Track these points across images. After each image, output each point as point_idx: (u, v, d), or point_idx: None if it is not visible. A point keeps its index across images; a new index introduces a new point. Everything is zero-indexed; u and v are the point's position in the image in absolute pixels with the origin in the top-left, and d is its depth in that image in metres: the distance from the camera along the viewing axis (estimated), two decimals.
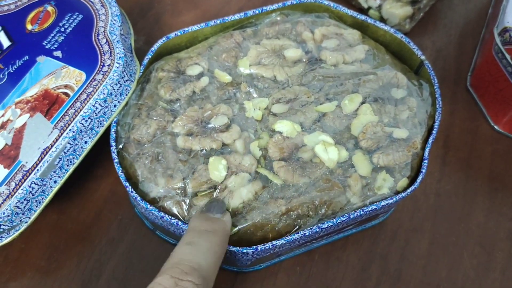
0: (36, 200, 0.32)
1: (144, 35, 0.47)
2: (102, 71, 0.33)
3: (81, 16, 0.36)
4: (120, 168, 0.32)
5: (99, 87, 0.33)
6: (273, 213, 0.30)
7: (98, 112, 0.33)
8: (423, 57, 0.36)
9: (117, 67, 0.33)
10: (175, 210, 0.31)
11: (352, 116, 0.33)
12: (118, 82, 0.33)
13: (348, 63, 0.36)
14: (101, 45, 0.34)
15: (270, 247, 0.30)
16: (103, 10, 0.36)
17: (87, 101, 0.32)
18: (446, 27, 0.48)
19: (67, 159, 0.33)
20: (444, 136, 0.42)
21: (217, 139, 0.32)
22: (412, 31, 0.47)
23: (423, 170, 0.32)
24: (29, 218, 0.32)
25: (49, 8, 0.38)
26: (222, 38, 0.37)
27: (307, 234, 0.30)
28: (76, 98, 0.33)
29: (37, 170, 0.31)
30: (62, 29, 0.36)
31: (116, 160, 0.32)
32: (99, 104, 0.33)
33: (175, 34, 0.37)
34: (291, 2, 0.39)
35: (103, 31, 0.35)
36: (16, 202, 0.31)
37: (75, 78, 0.33)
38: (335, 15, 0.39)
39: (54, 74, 0.34)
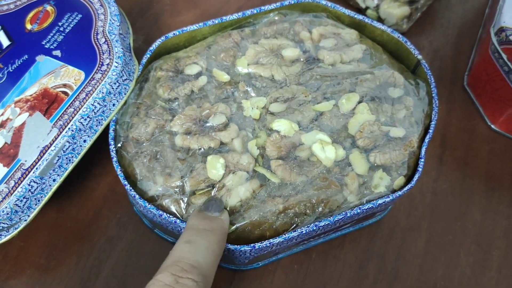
0: (35, 199, 0.32)
1: (143, 34, 0.47)
2: (101, 70, 0.33)
3: (80, 15, 0.37)
4: (119, 167, 0.32)
5: (98, 86, 0.33)
6: (271, 211, 0.31)
7: (97, 111, 0.33)
8: (420, 57, 0.36)
9: (116, 66, 0.34)
10: (173, 208, 0.31)
11: (349, 115, 0.34)
12: (117, 81, 0.34)
13: (345, 62, 0.36)
14: (100, 44, 0.35)
15: (268, 245, 0.30)
16: (102, 10, 0.37)
17: (86, 100, 0.33)
18: (443, 27, 0.48)
19: (66, 158, 0.33)
20: (441, 135, 0.42)
21: (215, 138, 0.32)
22: (409, 31, 0.48)
23: (420, 169, 0.32)
24: (28, 216, 0.33)
25: (49, 8, 0.38)
26: (220, 38, 0.37)
27: (304, 232, 0.30)
28: (75, 97, 0.33)
29: (36, 168, 0.31)
30: (61, 29, 0.36)
31: (114, 159, 0.32)
32: (98, 103, 0.33)
33: (174, 33, 0.37)
34: (289, 2, 0.39)
35: (102, 31, 0.35)
36: (15, 201, 0.31)
37: (74, 77, 0.34)
38: (333, 15, 0.39)
39: (53, 73, 0.34)
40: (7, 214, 0.31)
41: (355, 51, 0.36)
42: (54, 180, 0.33)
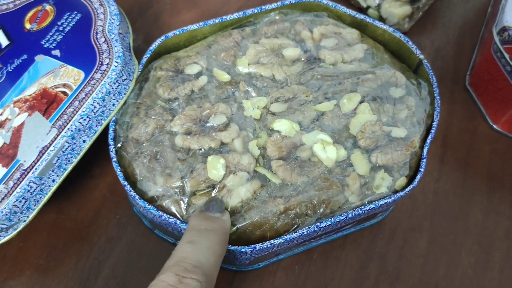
0: (34, 199, 0.32)
1: (142, 34, 0.47)
2: (101, 70, 0.33)
3: (79, 15, 0.36)
4: (119, 167, 0.32)
5: (97, 86, 0.33)
6: (272, 212, 0.30)
7: (97, 111, 0.33)
8: (421, 56, 0.36)
9: (116, 66, 0.33)
10: (173, 209, 0.31)
11: (351, 115, 0.33)
12: (117, 81, 0.33)
13: (346, 62, 0.36)
14: (99, 44, 0.34)
15: (269, 246, 0.30)
16: (102, 9, 0.36)
17: (86, 100, 0.32)
18: (445, 26, 0.48)
19: (66, 158, 0.33)
20: (443, 135, 0.42)
21: (216, 138, 0.32)
22: (411, 30, 0.47)
23: (422, 169, 0.32)
24: (28, 217, 0.32)
25: (48, 7, 0.38)
26: (221, 37, 0.37)
27: (305, 233, 0.30)
28: (75, 97, 0.33)
29: (36, 169, 0.31)
30: (61, 28, 0.36)
31: (114, 159, 0.32)
32: (97, 103, 0.33)
33: (174, 33, 0.37)
34: (290, 1, 0.39)
35: (102, 30, 0.35)
36: (15, 201, 0.31)
37: (74, 77, 0.33)
38: (334, 14, 0.39)
39: (52, 73, 0.34)
40: (6, 215, 0.31)
41: (356, 50, 0.36)
42: (53, 181, 0.33)
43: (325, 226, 0.30)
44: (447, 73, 0.45)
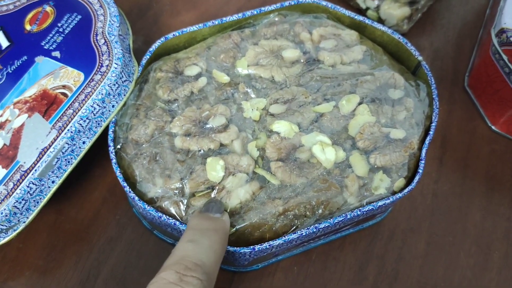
0: (34, 200, 0.32)
1: (142, 35, 0.47)
2: (100, 72, 0.33)
3: (79, 16, 0.37)
4: (118, 168, 0.32)
5: (97, 88, 0.33)
6: (271, 213, 0.30)
7: (96, 113, 0.33)
8: (420, 58, 0.36)
9: (115, 68, 0.34)
10: (172, 210, 0.31)
11: (350, 117, 0.34)
12: (116, 83, 0.33)
13: (345, 63, 0.36)
14: (99, 45, 0.35)
15: (268, 247, 0.30)
16: (102, 11, 0.36)
17: (85, 102, 0.33)
18: (444, 28, 0.48)
19: (65, 159, 0.33)
20: (441, 137, 0.42)
21: (215, 140, 0.32)
22: (410, 32, 0.48)
23: (420, 171, 0.32)
24: (27, 218, 0.32)
25: (48, 9, 0.38)
26: (220, 39, 0.37)
27: (304, 234, 0.30)
28: (75, 99, 0.33)
29: (35, 170, 0.31)
30: (61, 30, 0.36)
31: (114, 160, 0.32)
32: (97, 105, 0.33)
33: (174, 34, 0.37)
34: (289, 3, 0.39)
35: (102, 32, 0.35)
36: (14, 202, 0.31)
37: (74, 79, 0.33)
38: (333, 15, 0.39)
39: (52, 75, 0.34)
40: (6, 216, 0.31)
41: (355, 52, 0.36)
42: (53, 182, 0.33)
43: (323, 227, 0.30)
44: (446, 74, 0.46)
